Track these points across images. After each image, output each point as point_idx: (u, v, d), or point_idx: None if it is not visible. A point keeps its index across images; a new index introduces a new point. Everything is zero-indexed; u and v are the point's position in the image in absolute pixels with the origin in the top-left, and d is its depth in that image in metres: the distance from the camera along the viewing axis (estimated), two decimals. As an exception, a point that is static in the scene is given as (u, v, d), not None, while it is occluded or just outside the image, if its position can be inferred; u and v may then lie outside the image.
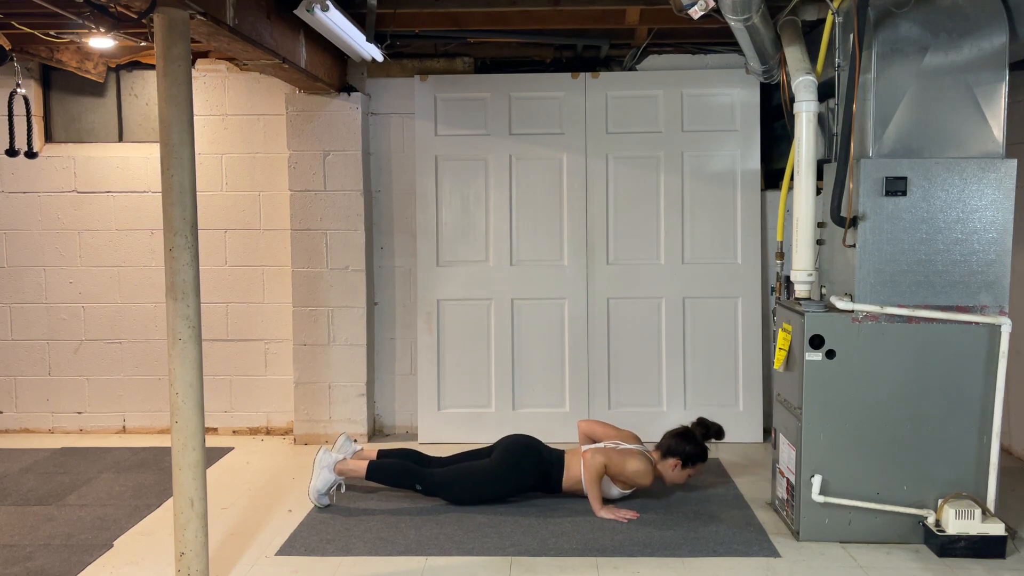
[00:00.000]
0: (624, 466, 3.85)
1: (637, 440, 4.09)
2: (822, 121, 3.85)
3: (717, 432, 4.00)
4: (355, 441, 4.35)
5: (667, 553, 3.41)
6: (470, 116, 5.02)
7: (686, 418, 5.01)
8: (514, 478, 3.95)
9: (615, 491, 3.94)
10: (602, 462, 3.84)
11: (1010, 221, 3.36)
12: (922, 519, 3.45)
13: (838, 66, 3.59)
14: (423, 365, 5.09)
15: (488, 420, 5.04)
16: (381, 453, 4.18)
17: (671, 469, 3.94)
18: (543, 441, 4.14)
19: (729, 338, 5.03)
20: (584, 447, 4.04)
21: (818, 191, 3.58)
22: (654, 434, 5.02)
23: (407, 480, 3.97)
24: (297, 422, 5.09)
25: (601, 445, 4.01)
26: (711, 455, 4.70)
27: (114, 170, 5.18)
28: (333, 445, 4.16)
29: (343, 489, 4.07)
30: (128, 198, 5.19)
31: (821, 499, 3.46)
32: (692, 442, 3.95)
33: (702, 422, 4.03)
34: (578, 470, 3.95)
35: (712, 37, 4.80)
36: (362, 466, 3.99)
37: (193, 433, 3.06)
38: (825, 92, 3.76)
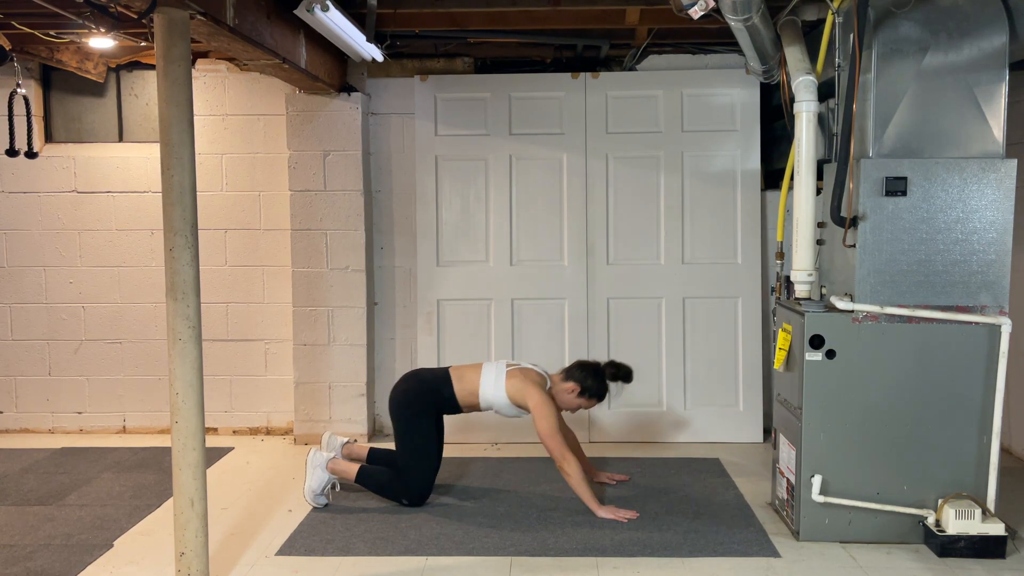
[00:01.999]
0: (525, 396, 3.85)
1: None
2: (822, 121, 3.85)
3: (626, 375, 4.01)
4: (344, 437, 4.33)
5: (667, 553, 3.41)
6: (470, 116, 5.02)
7: (686, 418, 5.03)
8: (419, 417, 3.93)
9: (513, 411, 3.94)
10: (552, 415, 3.80)
11: (1010, 221, 3.36)
12: (922, 519, 3.45)
13: (838, 66, 3.59)
14: (423, 365, 5.09)
15: (488, 420, 5.04)
16: (372, 453, 4.18)
17: (566, 392, 3.95)
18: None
19: (729, 338, 5.03)
20: (506, 365, 3.99)
21: (818, 191, 3.58)
22: (654, 434, 5.04)
23: (394, 493, 3.96)
24: (297, 422, 5.09)
25: (518, 378, 3.92)
26: (710, 455, 4.71)
27: (114, 170, 5.18)
28: (321, 445, 4.16)
29: (338, 487, 4.07)
30: (128, 198, 5.19)
31: (821, 499, 3.46)
32: (596, 377, 3.96)
33: (613, 363, 4.04)
34: (473, 383, 3.93)
35: (712, 37, 4.80)
36: (353, 469, 3.99)
37: (193, 433, 3.06)
38: (825, 92, 3.76)
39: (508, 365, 4.01)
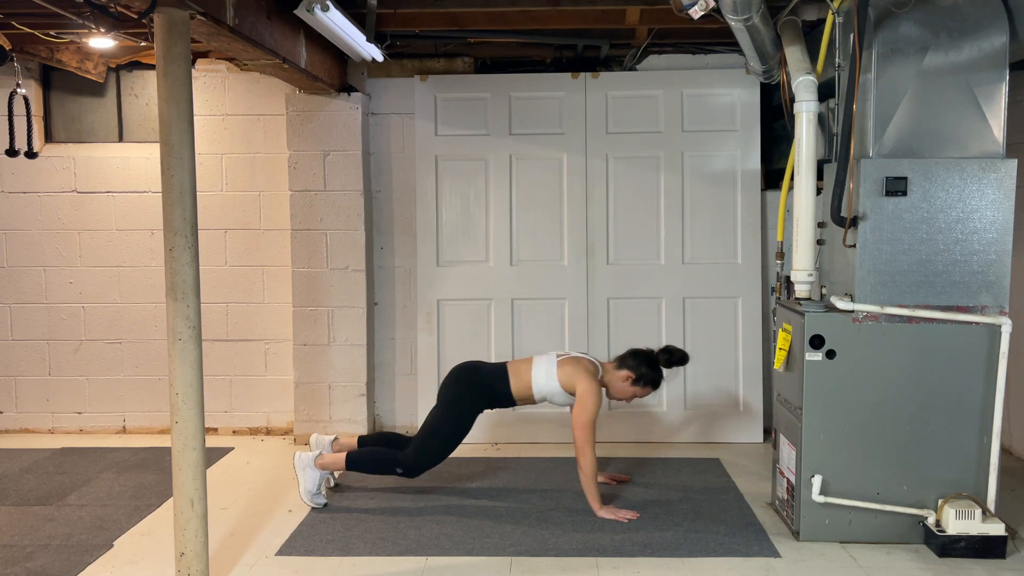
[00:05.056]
0: (575, 382, 3.84)
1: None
2: (822, 121, 3.85)
3: (681, 359, 3.97)
4: (329, 436, 4.31)
5: (667, 553, 3.41)
6: (470, 116, 5.02)
7: (687, 418, 5.03)
8: (466, 405, 3.93)
9: (566, 398, 3.92)
10: (593, 408, 3.78)
11: (1010, 221, 3.36)
12: (922, 519, 3.45)
13: (838, 66, 3.59)
14: (423, 365, 5.09)
15: (488, 420, 5.04)
16: (360, 440, 4.16)
17: (620, 380, 3.93)
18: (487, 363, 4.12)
19: (729, 338, 5.03)
20: (557, 355, 3.98)
21: (818, 191, 3.58)
22: (655, 435, 5.04)
23: (386, 467, 3.94)
24: (297, 422, 5.09)
25: (568, 367, 3.91)
26: (711, 455, 4.71)
27: (114, 170, 5.18)
28: (310, 444, 4.15)
29: (332, 483, 4.07)
30: (128, 198, 5.19)
31: (821, 499, 3.46)
32: (650, 364, 3.94)
33: (667, 348, 4.00)
34: (526, 376, 3.93)
35: (712, 37, 4.80)
36: (341, 459, 3.97)
37: (193, 433, 3.06)
38: (825, 92, 3.76)
39: (559, 355, 3.99)
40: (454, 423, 3.92)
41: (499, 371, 4.00)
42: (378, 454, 3.98)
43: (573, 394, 3.89)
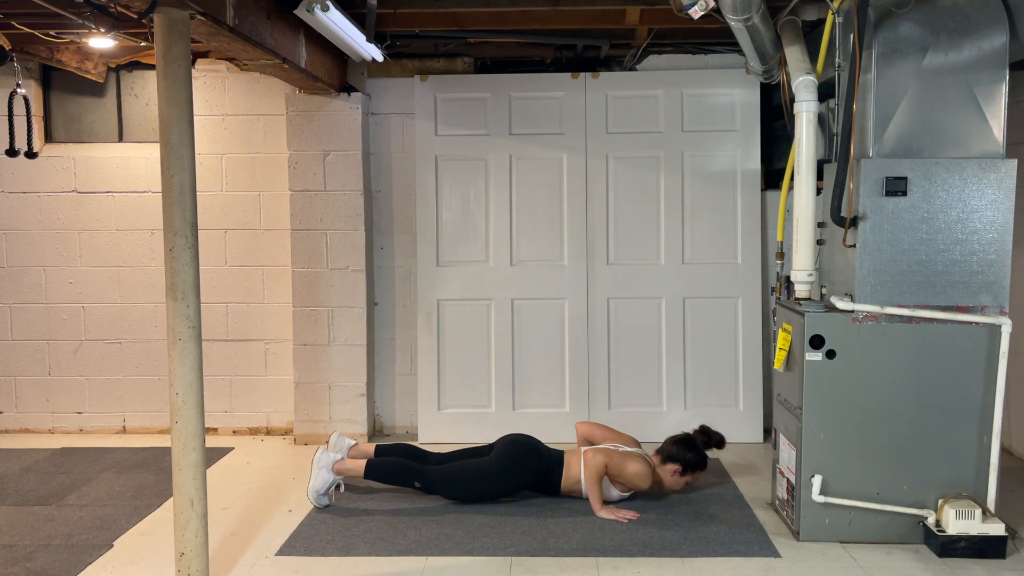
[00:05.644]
0: (624, 468, 3.85)
1: (636, 444, 4.09)
2: (822, 121, 3.85)
3: (719, 442, 4.00)
4: (351, 438, 4.34)
5: (667, 553, 3.41)
6: (470, 116, 5.02)
7: (686, 418, 5.02)
8: (514, 477, 3.96)
9: (614, 493, 3.94)
10: (603, 462, 3.84)
11: (1010, 221, 3.36)
12: (922, 519, 3.45)
13: (838, 66, 3.59)
14: (423, 365, 5.09)
15: (488, 420, 5.04)
16: (378, 450, 4.18)
17: (670, 475, 3.94)
18: (543, 441, 4.14)
19: (729, 338, 5.03)
20: (584, 447, 4.04)
21: (818, 191, 3.58)
22: (655, 435, 5.04)
23: (406, 478, 3.97)
24: (297, 422, 5.09)
25: (602, 447, 4.01)
26: (710, 455, 4.71)
27: (114, 170, 5.18)
28: (329, 445, 4.17)
29: (342, 489, 4.07)
30: (128, 198, 5.19)
31: (821, 499, 3.46)
32: (693, 450, 3.95)
33: (704, 430, 4.02)
34: (578, 470, 3.94)
35: (712, 37, 4.80)
36: (360, 465, 3.99)
37: (193, 433, 3.06)
38: (825, 92, 3.76)
39: (611, 446, 4.00)
40: (492, 485, 3.95)
41: (557, 459, 4.01)
42: (400, 465, 4.00)
43: (625, 488, 3.91)
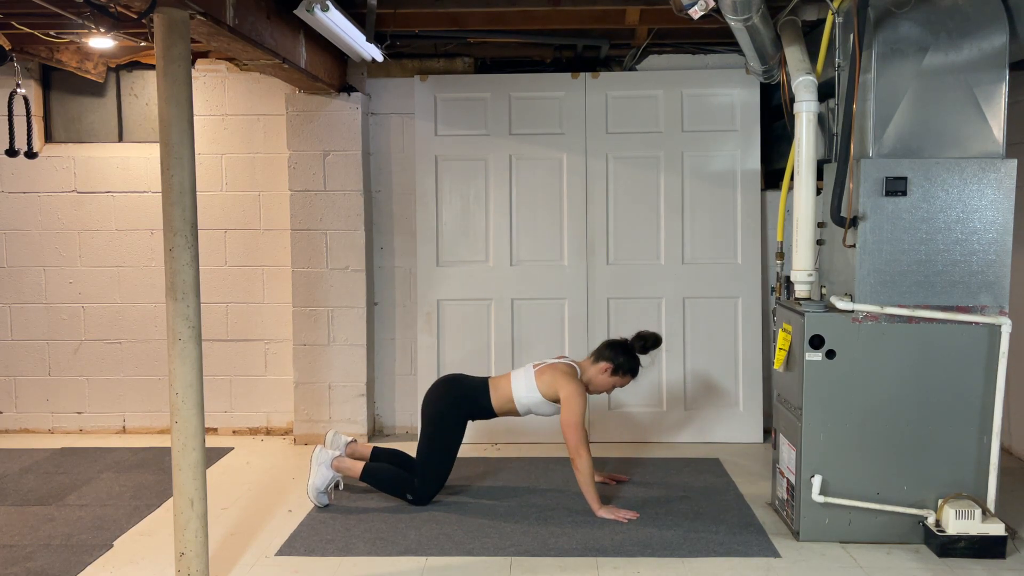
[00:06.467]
0: (557, 388, 3.85)
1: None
2: (822, 121, 3.85)
3: (655, 342, 3.97)
4: (348, 436, 4.33)
5: (667, 553, 3.41)
6: (470, 116, 5.02)
7: (686, 418, 5.03)
8: (453, 423, 3.95)
9: (551, 408, 3.93)
10: (580, 406, 3.81)
11: (1010, 221, 3.36)
12: (922, 519, 3.45)
13: (838, 66, 3.59)
14: (423, 365, 5.09)
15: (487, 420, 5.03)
16: (375, 453, 4.18)
17: (599, 374, 3.94)
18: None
19: (729, 338, 5.03)
20: (533, 366, 4.01)
21: (818, 191, 3.58)
22: (654, 434, 5.04)
23: (399, 489, 3.97)
24: (297, 422, 5.09)
25: (545, 366, 3.96)
26: (710, 455, 4.71)
27: (114, 170, 5.18)
28: (325, 442, 4.17)
29: (341, 487, 4.07)
30: (128, 198, 5.19)
31: (821, 499, 3.46)
32: (627, 353, 3.95)
33: (640, 335, 4.00)
34: (507, 390, 3.94)
35: (712, 37, 4.80)
36: (358, 467, 4.00)
37: (193, 433, 3.06)
38: (825, 92, 3.76)
39: (535, 365, 4.01)
40: (443, 443, 3.95)
41: (480, 385, 4.03)
42: (396, 475, 4.01)
43: (557, 401, 3.90)
